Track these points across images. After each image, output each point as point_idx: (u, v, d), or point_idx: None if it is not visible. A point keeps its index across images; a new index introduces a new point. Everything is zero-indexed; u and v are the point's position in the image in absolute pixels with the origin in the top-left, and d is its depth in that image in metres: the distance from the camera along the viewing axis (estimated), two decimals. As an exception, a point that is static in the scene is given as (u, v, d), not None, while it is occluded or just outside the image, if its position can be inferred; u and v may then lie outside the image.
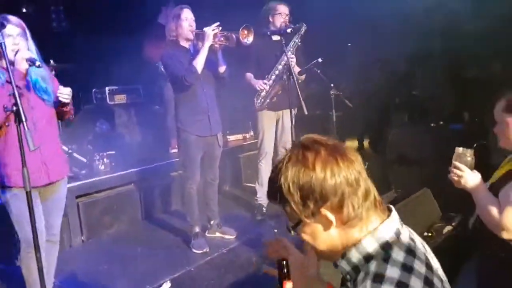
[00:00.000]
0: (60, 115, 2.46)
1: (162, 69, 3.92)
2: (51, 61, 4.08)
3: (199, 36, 3.12)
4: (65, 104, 2.33)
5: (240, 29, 3.08)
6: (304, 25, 3.51)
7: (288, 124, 3.62)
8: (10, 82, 1.97)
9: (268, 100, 3.59)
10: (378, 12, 4.10)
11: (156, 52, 4.54)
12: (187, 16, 3.12)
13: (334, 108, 3.56)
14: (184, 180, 3.34)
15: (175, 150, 4.21)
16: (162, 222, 3.93)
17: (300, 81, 3.55)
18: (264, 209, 3.81)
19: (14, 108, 1.93)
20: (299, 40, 3.54)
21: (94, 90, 5.58)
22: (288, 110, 3.39)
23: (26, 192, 1.99)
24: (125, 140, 5.47)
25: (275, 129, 3.77)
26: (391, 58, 4.47)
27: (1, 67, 2.16)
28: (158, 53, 3.94)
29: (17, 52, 2.15)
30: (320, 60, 3.48)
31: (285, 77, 3.32)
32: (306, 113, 3.14)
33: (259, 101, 3.60)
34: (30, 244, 2.15)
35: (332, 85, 3.59)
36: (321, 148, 0.95)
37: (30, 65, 2.15)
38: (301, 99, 3.15)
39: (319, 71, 3.54)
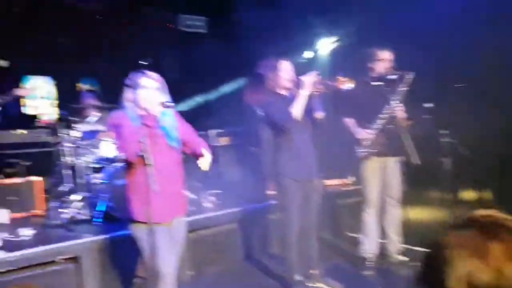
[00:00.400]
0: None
1: (261, 113, 4.08)
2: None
3: (297, 84, 3.20)
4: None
5: (338, 77, 3.10)
6: (412, 73, 3.36)
7: (394, 172, 3.47)
8: (144, 126, 2.32)
9: (372, 150, 3.49)
10: (495, 49, 3.79)
11: (255, 98, 4.78)
12: (285, 67, 3.24)
13: (446, 155, 3.31)
14: (282, 225, 3.35)
15: (273, 192, 4.28)
16: (262, 265, 3.97)
17: (406, 128, 3.41)
18: (370, 263, 3.62)
19: (142, 153, 2.26)
20: (405, 87, 3.41)
21: (199, 132, 6.03)
22: (394, 158, 3.26)
23: (150, 227, 2.27)
24: (228, 179, 5.77)
25: (380, 178, 3.63)
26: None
27: (138, 112, 2.46)
28: (257, 99, 4.13)
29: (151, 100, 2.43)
30: (429, 105, 3.31)
31: (390, 125, 3.22)
32: (418, 162, 2.98)
33: (362, 150, 3.52)
34: (155, 275, 2.42)
35: (443, 130, 3.36)
36: (509, 236, 0.72)
37: (164, 107, 2.42)
38: (410, 147, 3.01)
39: (427, 116, 3.36)
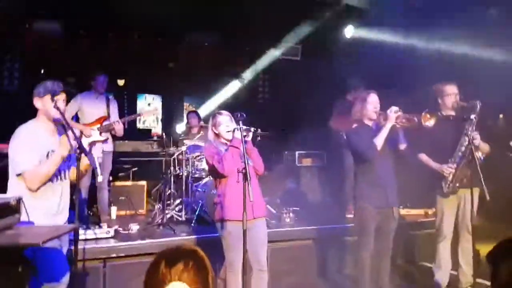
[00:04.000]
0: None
1: (345, 140, 4.35)
2: (257, 129, 5.07)
3: (382, 116, 3.42)
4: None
5: (423, 113, 3.28)
6: (479, 102, 3.48)
7: (471, 205, 3.49)
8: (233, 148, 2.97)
9: (457, 184, 3.57)
10: None
11: (341, 123, 5.07)
12: (373, 100, 3.47)
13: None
14: (357, 247, 3.52)
15: (351, 216, 4.50)
16: (335, 282, 4.22)
17: (484, 156, 3.48)
18: (441, 292, 3.67)
19: (243, 170, 2.80)
20: (476, 117, 3.48)
21: (285, 152, 6.52)
22: (473, 190, 3.32)
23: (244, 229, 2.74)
24: (308, 198, 6.09)
25: (456, 211, 3.69)
26: None
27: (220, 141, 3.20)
28: (343, 125, 4.41)
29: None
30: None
31: (469, 156, 3.31)
32: (488, 198, 3.05)
33: (447, 185, 3.61)
34: (232, 268, 3.03)
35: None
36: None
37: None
38: (483, 183, 3.08)
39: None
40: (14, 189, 2.57)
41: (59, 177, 2.68)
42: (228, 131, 3.14)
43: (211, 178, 4.79)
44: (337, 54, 6.46)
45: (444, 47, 5.18)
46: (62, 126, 2.62)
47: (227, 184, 3.09)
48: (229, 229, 3.05)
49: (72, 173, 2.72)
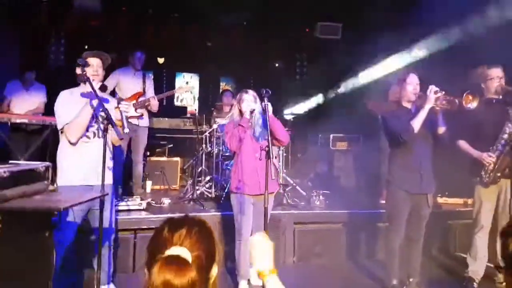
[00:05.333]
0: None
1: (381, 122, 4.18)
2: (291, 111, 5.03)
3: (422, 98, 3.23)
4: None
5: (465, 94, 3.06)
6: None
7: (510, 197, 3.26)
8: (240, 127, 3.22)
9: (498, 174, 3.35)
10: None
11: (378, 106, 4.87)
12: (412, 81, 3.28)
13: None
14: (388, 233, 3.44)
15: (384, 201, 4.35)
16: (363, 267, 4.12)
17: None
18: (474, 284, 3.51)
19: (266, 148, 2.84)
20: None
21: (320, 135, 6.39)
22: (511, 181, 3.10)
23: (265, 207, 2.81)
24: (340, 182, 5.96)
25: (497, 201, 3.47)
26: None
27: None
28: (380, 108, 4.24)
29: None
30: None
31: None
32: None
33: (487, 175, 3.39)
34: (240, 237, 3.22)
35: None
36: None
37: (251, 112, 3.25)
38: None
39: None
40: (62, 144, 2.83)
41: (95, 135, 2.81)
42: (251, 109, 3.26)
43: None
44: (380, 33, 6.14)
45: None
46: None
47: (241, 159, 3.28)
48: (239, 199, 3.26)
49: (114, 139, 2.92)
